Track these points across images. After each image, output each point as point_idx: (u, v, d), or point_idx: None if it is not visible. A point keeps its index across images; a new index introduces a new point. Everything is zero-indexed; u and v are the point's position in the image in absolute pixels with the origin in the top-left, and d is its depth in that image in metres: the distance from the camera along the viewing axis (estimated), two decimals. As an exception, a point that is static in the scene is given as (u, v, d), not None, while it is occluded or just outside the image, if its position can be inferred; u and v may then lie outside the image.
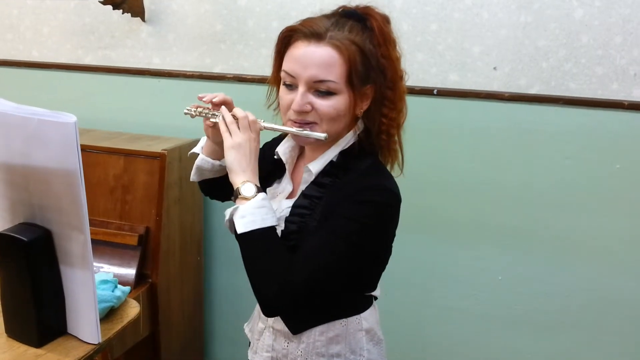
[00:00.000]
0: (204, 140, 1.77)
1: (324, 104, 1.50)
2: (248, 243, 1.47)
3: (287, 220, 1.57)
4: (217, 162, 1.74)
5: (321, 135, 1.52)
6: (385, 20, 1.57)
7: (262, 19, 2.76)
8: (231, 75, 2.85)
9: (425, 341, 2.87)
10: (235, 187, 1.50)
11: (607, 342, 2.62)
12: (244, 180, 1.49)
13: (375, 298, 1.76)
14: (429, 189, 2.69)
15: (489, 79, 2.53)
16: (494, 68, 2.51)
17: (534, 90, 2.49)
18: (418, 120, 2.57)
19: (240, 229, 1.46)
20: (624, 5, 2.34)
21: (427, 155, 2.65)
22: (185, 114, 1.66)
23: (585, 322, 2.62)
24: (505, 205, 2.62)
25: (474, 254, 2.70)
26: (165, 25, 2.92)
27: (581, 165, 2.49)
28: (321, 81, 1.49)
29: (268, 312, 1.52)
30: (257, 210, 1.47)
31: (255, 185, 1.50)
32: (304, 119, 1.53)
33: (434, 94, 2.58)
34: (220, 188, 1.78)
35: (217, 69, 2.89)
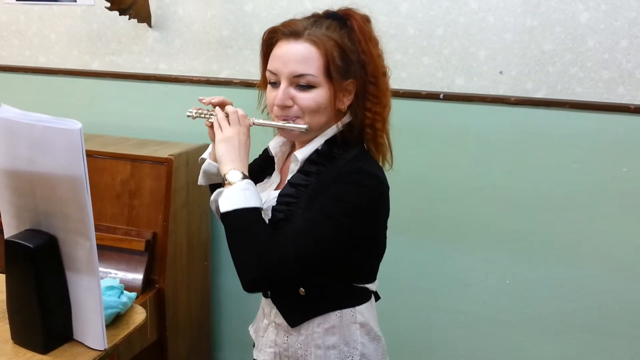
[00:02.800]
0: (211, 146, 1.81)
1: (305, 97, 1.58)
2: (231, 221, 1.52)
3: (274, 209, 1.62)
4: None
5: (303, 126, 1.59)
6: (365, 19, 1.65)
7: (268, 24, 2.70)
8: (237, 81, 2.85)
9: (432, 345, 2.86)
10: (222, 175, 1.57)
11: (616, 346, 2.61)
12: (230, 167, 1.55)
13: (378, 297, 1.80)
14: (435, 193, 2.68)
15: (495, 83, 2.53)
16: (500, 72, 2.51)
17: (540, 94, 2.49)
18: (424, 124, 2.61)
19: (223, 208, 1.52)
20: (629, 9, 2.33)
21: (434, 159, 2.65)
22: (187, 116, 1.72)
23: (593, 326, 2.61)
24: (512, 209, 2.61)
25: (481, 257, 2.69)
26: (172, 31, 2.93)
27: (588, 169, 2.49)
28: (301, 75, 1.57)
29: (249, 286, 1.54)
30: (241, 191, 1.52)
31: (242, 172, 1.55)
32: (287, 113, 1.61)
33: (440, 98, 2.58)
34: None
35: (224, 74, 2.90)
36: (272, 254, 1.49)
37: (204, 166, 1.81)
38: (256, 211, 1.53)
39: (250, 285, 1.53)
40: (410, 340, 2.86)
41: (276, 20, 2.69)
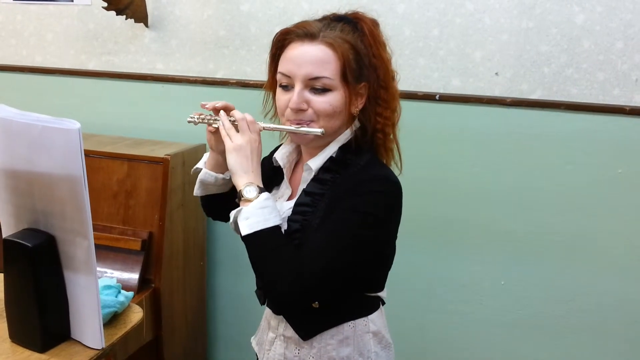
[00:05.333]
0: (206, 155, 1.77)
1: (320, 100, 1.54)
2: (254, 244, 1.49)
3: (290, 220, 1.58)
4: (220, 176, 1.72)
5: (318, 130, 1.55)
6: (374, 23, 1.62)
7: (265, 25, 2.77)
8: (234, 81, 2.86)
9: (428, 345, 2.87)
10: (238, 190, 1.52)
11: (611, 347, 2.62)
12: (246, 182, 1.51)
13: (383, 303, 1.77)
14: (431, 194, 2.69)
15: (491, 84, 2.54)
16: (496, 73, 2.52)
17: (535, 96, 2.50)
18: (420, 125, 2.61)
19: (244, 231, 1.48)
20: (625, 11, 2.34)
21: (430, 160, 2.66)
22: (189, 122, 1.66)
23: (588, 327, 2.63)
24: (507, 209, 2.62)
25: (476, 258, 2.71)
26: (169, 31, 2.93)
27: (583, 170, 2.50)
28: (316, 78, 1.52)
29: (280, 309, 1.56)
30: (259, 210, 1.49)
31: (258, 186, 1.52)
32: (302, 118, 1.56)
33: (436, 99, 2.59)
34: (224, 206, 1.73)
35: (220, 74, 2.90)
36: (298, 274, 1.47)
37: (200, 176, 1.75)
38: (277, 230, 1.50)
39: (281, 306, 1.56)
40: (405, 341, 2.86)
41: (272, 21, 2.73)
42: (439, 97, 2.59)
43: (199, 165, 1.78)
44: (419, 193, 2.66)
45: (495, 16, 2.48)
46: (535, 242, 2.62)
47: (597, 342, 2.63)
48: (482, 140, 2.59)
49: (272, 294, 1.51)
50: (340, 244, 1.50)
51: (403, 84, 2.55)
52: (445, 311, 2.80)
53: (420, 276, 2.80)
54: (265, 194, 1.51)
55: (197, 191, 1.79)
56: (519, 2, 2.44)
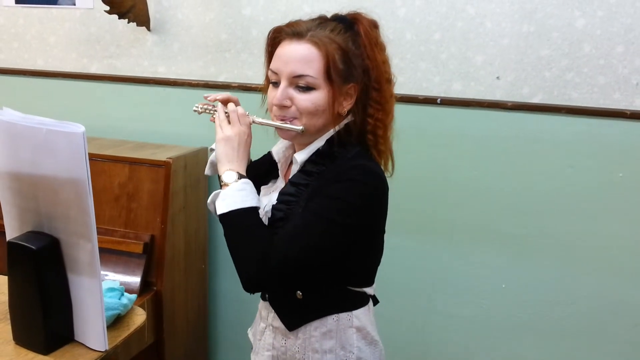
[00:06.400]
0: None
1: (303, 98, 1.58)
2: (228, 223, 1.55)
3: (274, 208, 1.63)
4: None
5: (298, 127, 1.59)
6: (373, 24, 1.65)
7: (267, 28, 2.72)
8: (236, 84, 2.86)
9: (428, 348, 2.87)
10: (219, 176, 1.59)
11: (611, 350, 2.62)
12: (227, 168, 1.58)
13: (376, 302, 1.79)
14: (432, 197, 2.69)
15: (492, 88, 2.54)
16: (497, 77, 2.53)
17: (536, 100, 2.50)
18: (421, 129, 2.62)
19: (220, 210, 1.54)
20: (625, 15, 2.35)
21: (431, 163, 2.67)
22: (194, 111, 1.73)
23: (589, 330, 2.63)
24: (508, 213, 2.63)
25: (477, 261, 2.71)
26: (171, 35, 2.94)
27: (584, 174, 2.50)
28: (300, 76, 1.57)
29: (248, 287, 1.57)
30: (237, 192, 1.55)
31: (238, 172, 1.57)
32: (285, 114, 1.61)
33: (438, 103, 2.59)
34: None
35: (222, 78, 2.91)
36: (269, 253, 1.50)
37: (211, 157, 1.83)
38: (253, 211, 1.55)
39: (249, 285, 1.56)
40: (405, 344, 2.87)
41: (274, 25, 2.72)
42: (440, 101, 2.59)
43: (213, 146, 1.83)
44: (419, 196, 2.68)
45: (497, 20, 2.48)
46: (536, 245, 2.62)
47: (598, 345, 2.63)
48: (483, 143, 2.60)
49: (239, 273, 1.54)
50: (313, 228, 1.53)
51: (404, 87, 2.58)
52: (446, 314, 2.80)
53: (420, 278, 2.80)
54: (244, 180, 1.57)
55: (207, 171, 1.88)
56: (519, 7, 2.45)
